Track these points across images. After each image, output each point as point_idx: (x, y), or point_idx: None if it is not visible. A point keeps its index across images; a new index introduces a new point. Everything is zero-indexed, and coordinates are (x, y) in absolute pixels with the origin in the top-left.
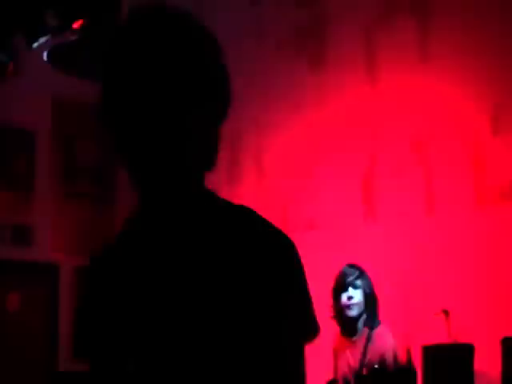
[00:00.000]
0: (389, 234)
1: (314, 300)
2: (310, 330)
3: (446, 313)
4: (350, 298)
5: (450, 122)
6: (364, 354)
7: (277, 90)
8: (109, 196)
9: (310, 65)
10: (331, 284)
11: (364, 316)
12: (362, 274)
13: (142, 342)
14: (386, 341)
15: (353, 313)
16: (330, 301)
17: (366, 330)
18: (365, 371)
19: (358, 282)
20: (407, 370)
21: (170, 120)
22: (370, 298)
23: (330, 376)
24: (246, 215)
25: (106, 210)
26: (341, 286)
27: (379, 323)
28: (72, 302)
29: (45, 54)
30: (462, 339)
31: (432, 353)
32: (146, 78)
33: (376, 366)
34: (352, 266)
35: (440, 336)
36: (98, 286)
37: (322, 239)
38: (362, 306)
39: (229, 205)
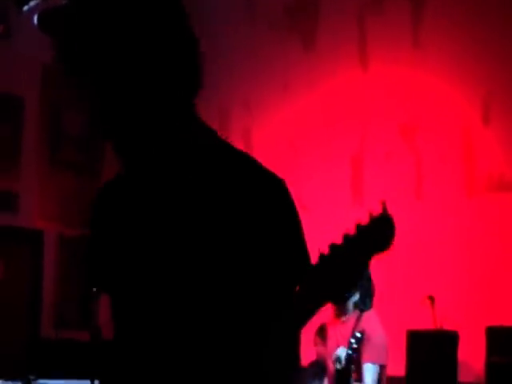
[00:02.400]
0: None
1: None
2: (304, 260)
3: (431, 299)
4: None
5: (440, 108)
6: (352, 334)
7: (268, 70)
8: (95, 166)
9: (302, 46)
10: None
11: (356, 297)
12: None
13: (135, 269)
14: (373, 325)
15: None
16: None
17: (357, 312)
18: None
19: None
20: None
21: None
22: (366, 282)
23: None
24: (238, 152)
25: (92, 179)
26: None
27: (370, 308)
28: (56, 270)
29: (35, 18)
30: (447, 326)
31: (417, 338)
32: (104, 30)
33: (351, 340)
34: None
35: (425, 322)
36: (98, 217)
37: (310, 221)
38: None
39: (220, 140)
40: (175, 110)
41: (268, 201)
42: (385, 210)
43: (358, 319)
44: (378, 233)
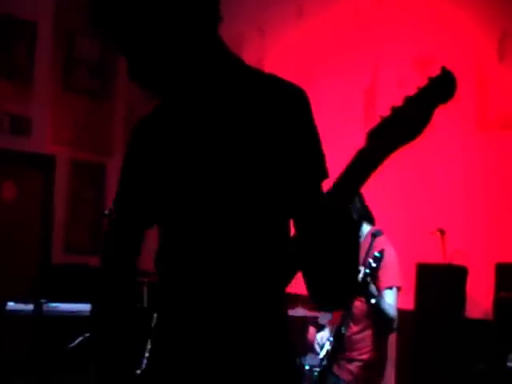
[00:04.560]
0: None
1: None
2: (322, 170)
3: (441, 232)
4: None
5: (455, 42)
6: (365, 257)
7: None
8: (107, 91)
9: None
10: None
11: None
12: None
13: (181, 182)
14: (386, 248)
15: None
16: None
17: (370, 236)
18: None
19: None
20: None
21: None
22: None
23: None
24: (262, 72)
25: (104, 105)
26: None
27: (382, 233)
28: (67, 195)
29: None
30: (457, 261)
31: (426, 271)
32: None
33: (370, 260)
34: None
35: (435, 256)
36: (136, 142)
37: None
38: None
39: (243, 63)
40: (201, 43)
41: (289, 111)
42: (444, 68)
43: (372, 243)
44: (439, 87)
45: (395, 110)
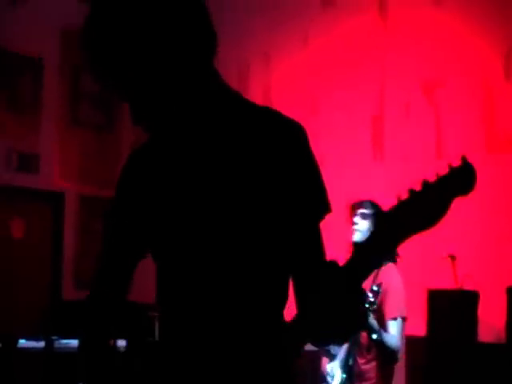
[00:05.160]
0: (396, 175)
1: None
2: (324, 204)
3: (452, 258)
4: (354, 223)
5: (462, 64)
6: (372, 284)
7: (287, 24)
8: (113, 124)
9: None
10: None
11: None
12: (376, 211)
13: (174, 220)
14: (392, 277)
15: (355, 238)
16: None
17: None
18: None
19: (367, 212)
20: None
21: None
22: None
23: None
24: (260, 106)
25: (111, 138)
26: (351, 211)
27: (391, 260)
28: (77, 230)
29: None
30: (468, 286)
31: (437, 297)
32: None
33: (374, 288)
34: (371, 201)
35: (446, 281)
36: (132, 174)
37: (330, 177)
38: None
39: (241, 97)
40: (197, 80)
41: (287, 147)
42: (465, 159)
43: (378, 270)
44: (459, 178)
45: (414, 194)
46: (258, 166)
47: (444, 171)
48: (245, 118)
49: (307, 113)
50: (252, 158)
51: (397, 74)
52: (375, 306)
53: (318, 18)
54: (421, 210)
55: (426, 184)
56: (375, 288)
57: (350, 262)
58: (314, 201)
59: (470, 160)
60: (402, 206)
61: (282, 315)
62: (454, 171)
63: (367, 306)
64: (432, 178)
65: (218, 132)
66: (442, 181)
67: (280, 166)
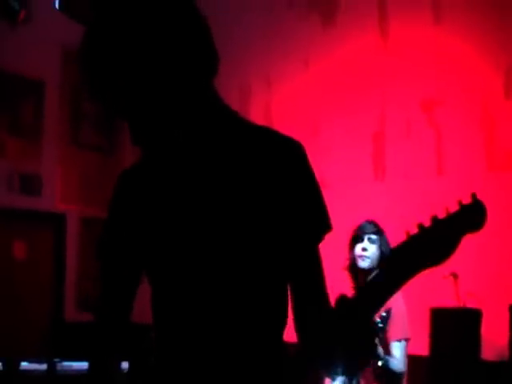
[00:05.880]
0: (398, 195)
1: (323, 255)
2: (325, 222)
3: (454, 276)
4: (364, 249)
5: (462, 82)
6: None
7: (288, 47)
8: (115, 146)
9: (322, 21)
10: (339, 240)
11: (376, 272)
12: (379, 232)
13: (174, 236)
14: (395, 300)
15: (364, 264)
16: (337, 256)
17: None
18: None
19: (374, 237)
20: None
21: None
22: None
23: None
24: (258, 126)
25: (112, 159)
26: (357, 237)
27: None
28: (78, 252)
29: (56, 2)
30: (471, 304)
31: (440, 316)
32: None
33: (384, 314)
34: (371, 222)
35: (448, 300)
36: (124, 195)
37: (332, 197)
38: (375, 262)
39: (239, 117)
40: (194, 97)
41: (287, 165)
42: (475, 196)
43: None
44: (469, 215)
45: (423, 230)
46: (257, 184)
47: (454, 208)
48: (243, 137)
49: (308, 133)
50: (251, 176)
51: (397, 92)
52: (384, 332)
53: (318, 38)
54: (430, 246)
55: (435, 220)
56: (384, 314)
57: (359, 298)
58: (314, 218)
59: (470, 177)
60: (411, 241)
61: (281, 336)
62: (464, 208)
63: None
64: (441, 214)
65: (217, 151)
66: (453, 218)
67: (280, 184)
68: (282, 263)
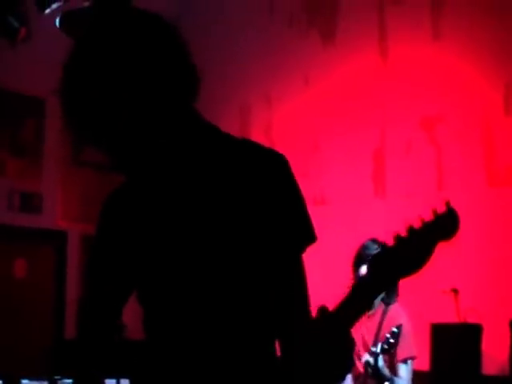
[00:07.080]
0: (398, 212)
1: (323, 273)
2: (308, 233)
3: (455, 292)
4: None
5: (462, 99)
6: (379, 329)
7: (287, 65)
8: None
9: (321, 39)
10: (339, 258)
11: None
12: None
13: (166, 253)
14: (400, 317)
15: None
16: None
17: (382, 306)
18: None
19: None
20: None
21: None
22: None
23: None
24: (241, 139)
25: (114, 178)
26: (361, 258)
27: (395, 301)
28: (79, 270)
29: (57, 20)
30: (471, 319)
31: (440, 331)
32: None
33: (388, 336)
34: (374, 240)
35: (449, 315)
36: (112, 216)
37: (332, 214)
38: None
39: (223, 133)
40: (175, 118)
41: (270, 176)
42: (449, 205)
43: (384, 313)
44: (443, 223)
45: (399, 240)
46: (242, 197)
47: (429, 217)
48: (227, 151)
49: (309, 151)
50: (236, 189)
51: (397, 110)
52: (393, 349)
53: (318, 57)
54: (406, 255)
55: (411, 230)
56: (395, 330)
57: (338, 311)
58: (295, 229)
59: (471, 194)
60: (388, 251)
61: (274, 344)
62: (438, 218)
63: (387, 347)
64: (417, 224)
65: (201, 166)
66: (427, 226)
67: (264, 196)
68: (269, 273)
